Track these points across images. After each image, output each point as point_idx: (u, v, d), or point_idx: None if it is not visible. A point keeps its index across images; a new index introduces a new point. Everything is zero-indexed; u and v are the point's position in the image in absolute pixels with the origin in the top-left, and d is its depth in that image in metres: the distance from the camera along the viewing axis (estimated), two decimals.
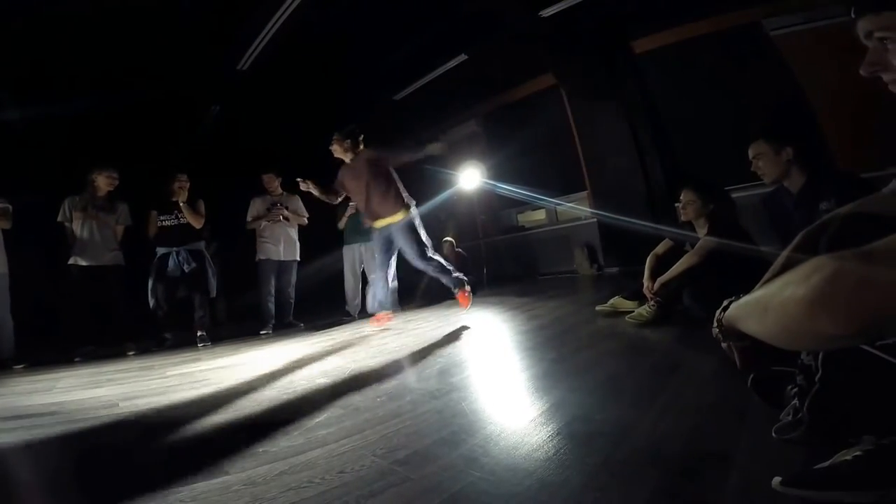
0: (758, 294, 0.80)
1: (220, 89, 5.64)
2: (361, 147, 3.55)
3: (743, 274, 2.09)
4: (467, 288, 3.58)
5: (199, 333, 4.03)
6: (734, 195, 2.94)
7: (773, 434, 0.96)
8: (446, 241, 6.13)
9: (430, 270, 3.51)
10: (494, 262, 7.04)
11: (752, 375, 1.10)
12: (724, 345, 1.04)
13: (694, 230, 2.71)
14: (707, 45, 5.17)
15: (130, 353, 3.74)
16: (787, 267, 0.89)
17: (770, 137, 2.10)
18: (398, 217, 3.40)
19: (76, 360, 3.55)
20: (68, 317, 3.82)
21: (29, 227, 3.74)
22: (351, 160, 3.54)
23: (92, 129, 5.77)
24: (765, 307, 0.71)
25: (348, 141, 3.48)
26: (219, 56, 4.94)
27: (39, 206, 3.85)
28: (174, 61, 4.89)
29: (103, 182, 3.87)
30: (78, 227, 3.78)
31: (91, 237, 3.79)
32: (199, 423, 1.66)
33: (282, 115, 6.56)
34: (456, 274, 3.53)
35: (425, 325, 3.64)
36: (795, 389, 0.95)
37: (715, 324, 1.01)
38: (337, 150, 3.51)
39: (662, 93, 5.72)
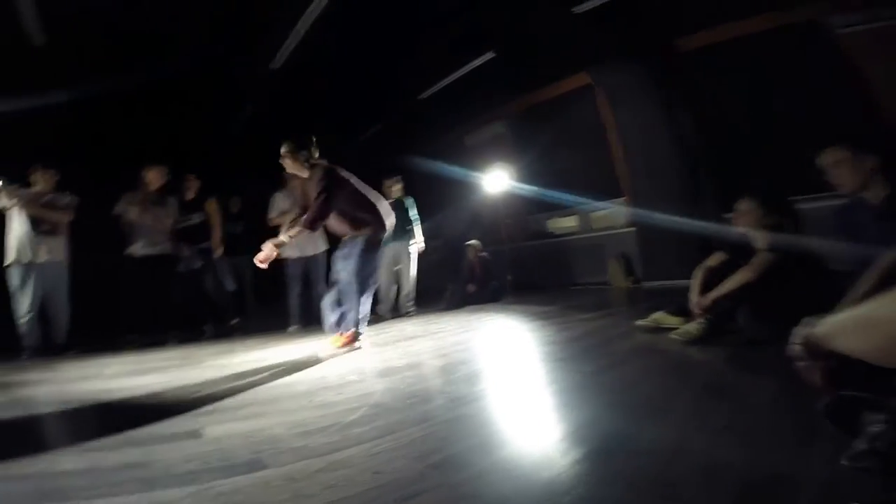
0: (860, 312, 0.78)
1: (254, 88, 5.78)
2: (311, 159, 3.10)
3: (807, 291, 1.95)
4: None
5: (231, 322, 4.35)
6: (797, 207, 2.72)
7: (844, 462, 0.89)
8: (470, 244, 6.08)
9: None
10: (520, 268, 6.91)
11: (826, 399, 1.01)
12: (800, 363, 0.97)
13: (748, 242, 2.51)
14: (762, 43, 4.79)
15: (171, 342, 3.91)
16: (885, 282, 0.89)
17: (851, 144, 1.93)
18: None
19: (122, 347, 3.76)
20: (122, 304, 4.06)
21: (78, 219, 3.95)
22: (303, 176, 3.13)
23: (127, 128, 6.03)
24: (871, 324, 0.70)
25: (301, 155, 3.05)
26: (253, 55, 5.06)
27: (89, 198, 4.05)
28: (210, 61, 5.05)
29: (155, 178, 4.11)
30: (135, 220, 4.01)
31: (146, 229, 4.04)
32: (239, 414, 1.71)
33: (310, 113, 6.67)
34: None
35: (449, 329, 3.63)
36: (881, 416, 0.87)
37: (797, 341, 0.95)
38: (287, 166, 3.11)
39: (711, 94, 5.33)
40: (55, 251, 3.73)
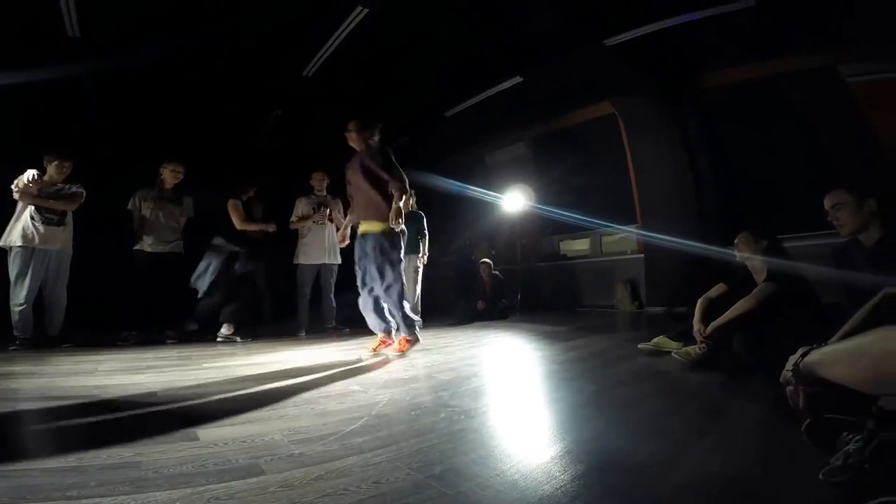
0: (849, 344, 0.91)
1: (284, 92, 5.89)
2: (373, 139, 3.18)
3: (803, 324, 2.02)
4: (415, 335, 3.14)
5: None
6: (799, 243, 2.81)
7: (821, 477, 0.98)
8: (483, 262, 6.11)
9: (389, 304, 3.06)
10: (531, 288, 6.93)
11: (808, 420, 1.14)
12: (789, 388, 1.10)
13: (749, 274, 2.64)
14: (780, 85, 5.00)
15: (170, 341, 3.88)
16: (872, 320, 1.03)
17: (853, 188, 2.04)
18: (378, 227, 3.02)
19: (119, 343, 3.73)
20: (125, 299, 4.00)
21: (89, 212, 3.96)
22: (359, 151, 3.20)
23: (156, 124, 6.13)
24: (859, 355, 0.81)
25: (369, 133, 3.16)
26: (287, 62, 5.17)
27: (103, 193, 4.09)
28: (245, 66, 5.17)
29: (169, 175, 4.12)
30: (148, 216, 4.01)
31: (157, 226, 4.04)
32: (236, 418, 1.67)
33: (338, 122, 6.76)
34: (413, 321, 3.11)
35: (456, 344, 3.63)
36: (854, 436, 0.99)
37: (790, 367, 1.05)
38: (353, 140, 3.20)
39: (729, 130, 5.53)
40: (59, 241, 3.70)
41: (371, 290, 3.11)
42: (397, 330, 3.15)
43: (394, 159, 3.06)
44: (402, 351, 3.07)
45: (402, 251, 3.07)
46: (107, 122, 5.91)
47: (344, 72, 5.33)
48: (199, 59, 4.88)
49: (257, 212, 4.46)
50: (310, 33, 4.65)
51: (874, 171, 4.31)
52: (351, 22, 4.36)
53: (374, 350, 3.16)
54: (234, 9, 4.16)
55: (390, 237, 2.99)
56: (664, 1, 4.38)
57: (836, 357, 0.91)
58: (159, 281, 3.99)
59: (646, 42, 4.84)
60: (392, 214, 2.91)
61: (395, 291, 3.01)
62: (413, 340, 3.13)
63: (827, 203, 2.11)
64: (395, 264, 3.00)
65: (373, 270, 3.01)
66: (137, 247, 4.00)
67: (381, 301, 3.10)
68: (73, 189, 3.77)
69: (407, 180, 3.03)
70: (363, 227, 3.11)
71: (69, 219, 3.78)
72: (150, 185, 4.10)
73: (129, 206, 4.03)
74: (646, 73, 5.46)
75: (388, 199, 3.00)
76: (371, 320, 3.19)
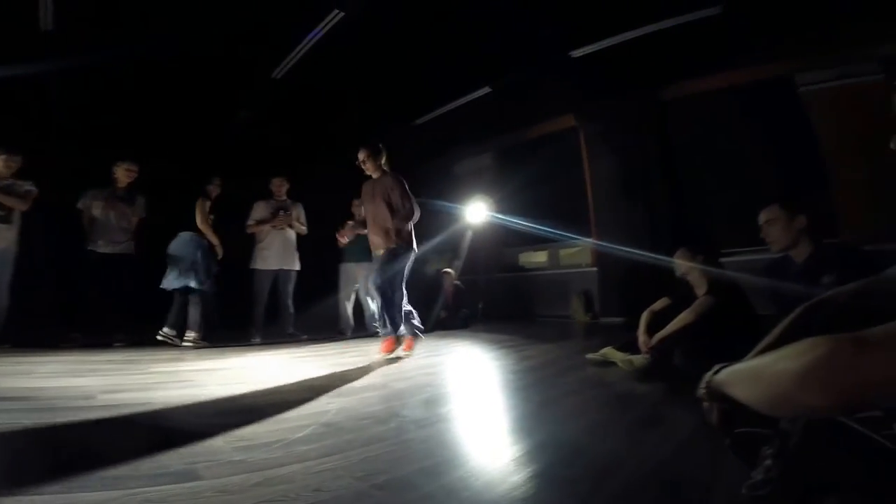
0: (751, 364, 0.90)
1: (253, 95, 5.78)
2: (385, 167, 3.48)
3: (738, 336, 2.12)
4: (415, 336, 3.49)
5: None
6: (748, 257, 2.96)
7: (744, 490, 1.00)
8: (446, 272, 6.16)
9: (380, 304, 3.29)
10: (491, 298, 7.02)
11: (731, 435, 1.14)
12: (705, 404, 1.11)
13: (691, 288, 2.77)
14: (736, 96, 5.15)
15: (118, 343, 3.73)
16: (783, 338, 1.00)
17: (785, 204, 2.09)
18: (391, 245, 3.32)
19: (63, 345, 3.55)
20: (71, 300, 3.86)
21: (37, 210, 3.77)
22: (376, 178, 3.47)
23: (118, 120, 5.87)
24: (757, 376, 0.81)
25: (380, 158, 3.43)
26: (256, 63, 5.08)
27: (55, 191, 3.91)
28: (213, 66, 5.04)
29: (123, 174, 4.00)
30: (98, 216, 3.89)
31: (109, 226, 3.92)
32: (177, 423, 1.63)
33: (306, 126, 6.66)
34: (414, 321, 3.44)
35: (416, 353, 3.61)
36: (771, 451, 0.99)
37: (703, 384, 1.06)
38: (368, 167, 3.44)
39: (684, 143, 5.69)
40: (4, 239, 3.54)
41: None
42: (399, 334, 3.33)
43: (407, 188, 3.36)
44: (409, 349, 3.38)
45: (407, 263, 3.32)
46: (63, 118, 5.61)
47: (314, 76, 5.28)
48: (166, 58, 4.72)
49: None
50: (283, 35, 4.58)
51: (812, 185, 4.51)
52: (326, 25, 4.34)
53: (405, 350, 3.41)
54: (208, 9, 4.06)
55: (395, 250, 3.28)
56: (630, 12, 4.46)
57: (740, 377, 0.91)
58: (107, 282, 3.84)
59: (609, 54, 4.98)
60: (391, 232, 3.27)
61: (387, 292, 3.24)
62: (397, 341, 3.30)
63: (761, 219, 2.15)
64: (393, 271, 3.25)
65: (376, 277, 3.29)
66: (90, 247, 3.87)
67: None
68: (26, 187, 3.62)
69: (417, 212, 3.36)
70: (378, 250, 3.42)
71: (16, 217, 3.62)
72: (102, 185, 3.96)
73: (80, 205, 3.90)
74: (607, 85, 5.61)
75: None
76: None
